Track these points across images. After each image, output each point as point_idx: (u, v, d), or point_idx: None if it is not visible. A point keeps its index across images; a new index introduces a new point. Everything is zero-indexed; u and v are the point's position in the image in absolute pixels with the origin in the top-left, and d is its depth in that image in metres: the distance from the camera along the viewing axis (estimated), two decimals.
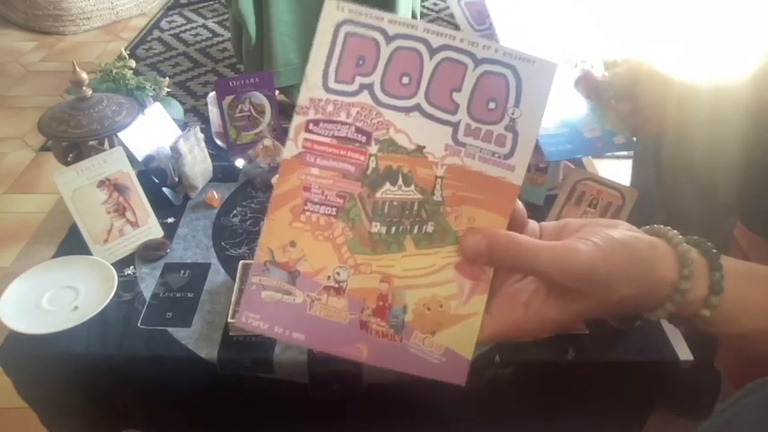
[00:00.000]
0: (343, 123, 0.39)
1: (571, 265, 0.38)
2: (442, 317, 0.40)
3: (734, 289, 0.42)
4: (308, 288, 0.40)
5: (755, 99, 0.77)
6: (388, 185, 0.40)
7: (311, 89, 0.39)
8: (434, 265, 0.40)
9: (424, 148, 0.39)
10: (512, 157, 0.40)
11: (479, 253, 0.39)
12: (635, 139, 0.88)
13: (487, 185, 0.40)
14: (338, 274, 0.40)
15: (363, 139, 0.39)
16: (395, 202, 0.40)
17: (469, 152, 0.39)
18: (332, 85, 0.39)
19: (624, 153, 2.02)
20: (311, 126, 0.39)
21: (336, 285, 0.39)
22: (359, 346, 0.39)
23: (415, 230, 0.40)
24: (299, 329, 0.39)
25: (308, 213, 0.39)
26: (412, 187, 0.39)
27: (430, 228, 0.40)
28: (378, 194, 0.39)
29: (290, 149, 0.40)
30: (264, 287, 0.40)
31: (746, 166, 0.84)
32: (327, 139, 0.39)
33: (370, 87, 0.39)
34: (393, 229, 0.39)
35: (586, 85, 0.85)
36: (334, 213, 0.39)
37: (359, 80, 0.39)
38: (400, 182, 0.40)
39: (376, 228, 0.39)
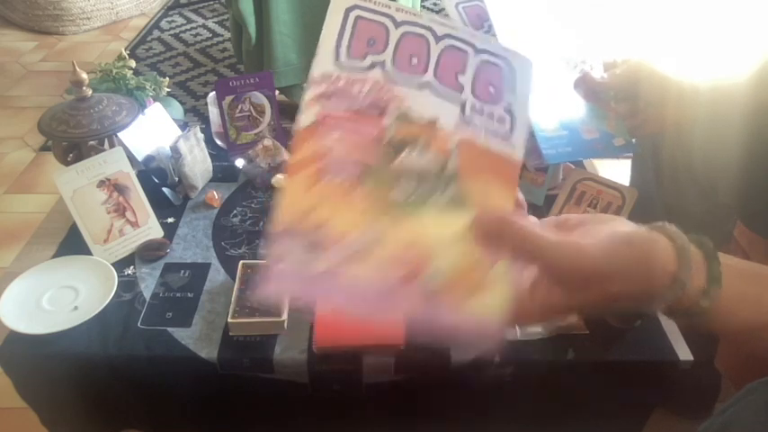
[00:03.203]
0: (356, 96, 0.40)
1: (576, 263, 0.39)
2: (469, 284, 0.40)
3: (732, 283, 0.42)
4: (332, 255, 0.38)
5: (755, 99, 0.77)
6: (405, 154, 0.40)
7: (322, 64, 0.40)
8: (455, 233, 0.40)
9: (437, 122, 0.41)
10: (512, 137, 0.42)
11: (490, 234, 0.40)
12: (634, 141, 0.88)
13: (495, 161, 0.41)
14: (364, 237, 0.38)
15: (377, 112, 0.40)
16: (413, 171, 0.40)
17: (477, 128, 0.41)
18: (344, 60, 0.40)
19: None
20: (324, 99, 0.40)
21: (362, 250, 0.38)
22: (393, 310, 0.40)
23: (434, 199, 0.40)
24: (324, 298, 0.39)
25: (326, 180, 0.39)
26: (428, 157, 0.40)
27: (448, 197, 0.40)
28: (395, 163, 0.40)
29: (305, 119, 0.39)
30: (285, 257, 0.38)
31: (746, 167, 0.84)
32: (342, 112, 0.40)
33: (381, 64, 0.40)
34: (412, 197, 0.40)
35: (585, 86, 0.85)
36: (353, 181, 0.39)
37: (370, 58, 0.40)
38: (417, 152, 0.40)
39: (396, 195, 0.39)
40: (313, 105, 0.40)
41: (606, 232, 0.41)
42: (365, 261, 0.38)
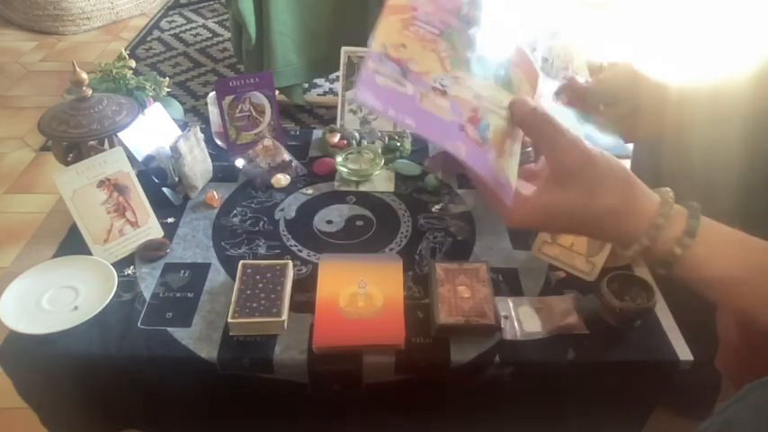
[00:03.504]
0: None
1: (581, 159, 0.48)
2: (505, 147, 0.50)
3: (708, 237, 0.49)
4: (418, 84, 0.46)
5: (754, 102, 0.77)
6: (477, 28, 0.50)
7: None
8: (503, 102, 0.50)
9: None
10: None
11: (524, 114, 0.50)
12: (624, 143, 0.87)
13: (530, 67, 0.54)
14: (443, 79, 0.47)
15: None
16: (483, 42, 0.50)
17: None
18: None
19: (623, 153, 2.02)
20: None
21: (441, 88, 0.46)
22: (458, 144, 0.46)
23: (495, 69, 0.50)
24: (409, 116, 0.45)
25: (416, 27, 0.47)
26: (492, 40, 0.50)
27: (504, 72, 0.50)
28: (470, 31, 0.49)
29: None
30: (380, 73, 0.45)
31: (746, 170, 0.84)
32: None
33: None
34: (482, 62, 0.49)
35: (570, 92, 0.84)
36: (437, 33, 0.48)
37: None
38: (486, 31, 0.50)
39: (469, 55, 0.49)
40: None
41: (616, 161, 0.49)
42: (442, 97, 0.47)
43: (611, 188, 0.49)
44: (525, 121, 0.50)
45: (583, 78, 0.84)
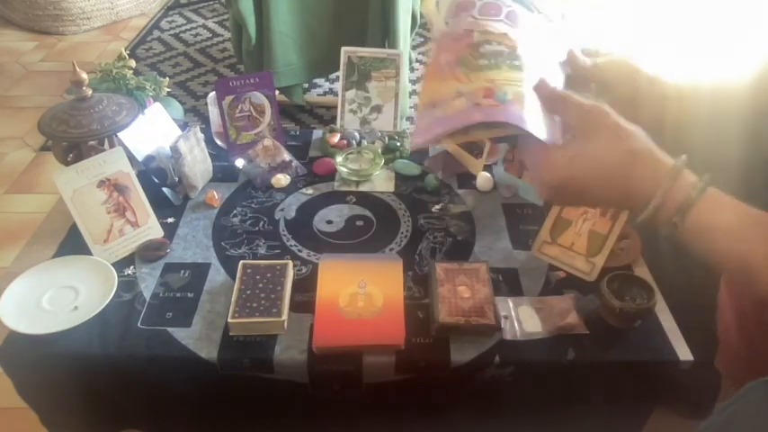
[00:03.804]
0: (455, 32, 0.66)
1: (592, 111, 0.58)
2: (526, 104, 0.60)
3: (717, 192, 0.56)
4: (441, 104, 0.61)
5: (754, 103, 0.77)
6: (485, 46, 0.63)
7: (437, 27, 0.69)
8: (517, 79, 0.61)
9: (507, 34, 0.65)
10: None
11: (547, 93, 0.61)
12: None
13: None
14: (459, 87, 0.61)
15: (468, 33, 0.65)
16: (492, 51, 0.63)
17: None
18: (447, 20, 0.68)
19: None
20: (438, 43, 0.67)
21: (457, 95, 0.60)
22: (475, 114, 0.58)
23: (508, 61, 0.63)
24: (440, 127, 0.60)
25: (437, 72, 0.64)
26: (501, 48, 0.64)
27: (512, 63, 0.63)
28: (480, 51, 0.63)
29: (431, 56, 0.67)
30: (423, 123, 0.63)
31: (745, 170, 0.84)
32: (448, 42, 0.66)
33: (471, 14, 0.66)
34: (488, 63, 0.62)
35: (571, 64, 0.83)
36: (453, 65, 0.63)
37: (463, 14, 0.67)
38: (493, 44, 0.64)
39: (482, 62, 0.62)
40: (434, 49, 0.66)
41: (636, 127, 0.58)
42: (458, 98, 0.60)
43: (636, 133, 0.57)
44: (550, 98, 0.60)
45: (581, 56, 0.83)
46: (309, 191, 1.18)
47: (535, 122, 0.59)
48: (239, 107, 1.24)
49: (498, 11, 0.66)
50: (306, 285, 0.96)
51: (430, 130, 0.60)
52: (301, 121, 2.23)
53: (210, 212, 1.12)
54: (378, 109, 1.33)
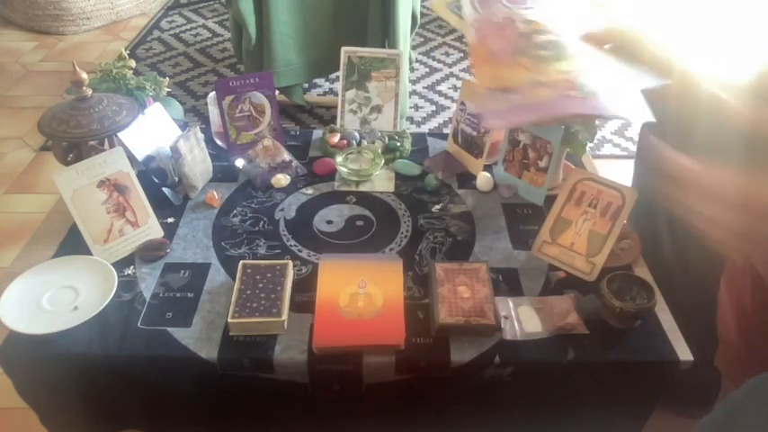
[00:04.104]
0: (493, 18, 0.73)
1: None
2: (600, 94, 0.67)
3: None
4: (517, 92, 0.65)
5: (755, 104, 0.77)
6: (536, 36, 0.69)
7: (468, 12, 0.75)
8: (580, 69, 0.68)
9: (542, 22, 0.72)
10: None
11: (664, 159, 0.62)
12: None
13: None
14: (533, 77, 0.66)
15: (509, 22, 0.71)
16: (545, 42, 0.69)
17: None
18: (479, 9, 0.74)
19: (624, 153, 2.02)
20: (475, 27, 0.73)
21: (537, 85, 0.65)
22: (567, 105, 0.63)
23: (564, 51, 0.68)
24: (524, 114, 0.66)
25: (497, 60, 0.69)
26: (549, 37, 0.70)
27: (570, 50, 0.68)
28: (533, 41, 0.69)
29: (471, 38, 0.72)
30: (491, 103, 0.67)
31: (745, 170, 0.84)
32: (488, 28, 0.72)
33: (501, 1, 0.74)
34: (551, 53, 0.68)
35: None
36: (513, 54, 0.68)
37: (492, 1, 0.74)
38: (543, 35, 0.70)
39: (543, 53, 0.68)
40: (471, 30, 0.71)
41: None
42: (540, 87, 0.65)
43: None
44: (665, 164, 0.62)
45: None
46: (309, 191, 1.18)
47: (616, 104, 0.65)
48: (239, 107, 1.24)
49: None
50: (306, 285, 0.96)
51: (512, 113, 0.66)
52: (301, 121, 2.23)
53: (210, 212, 1.12)
54: (378, 109, 1.33)
